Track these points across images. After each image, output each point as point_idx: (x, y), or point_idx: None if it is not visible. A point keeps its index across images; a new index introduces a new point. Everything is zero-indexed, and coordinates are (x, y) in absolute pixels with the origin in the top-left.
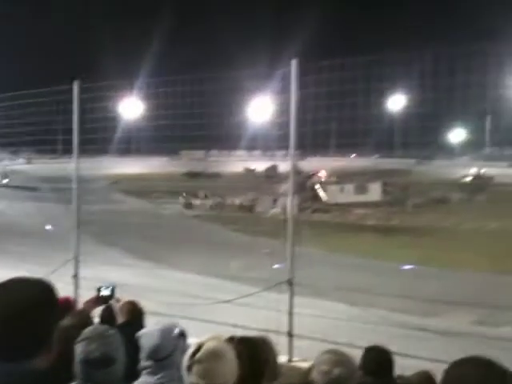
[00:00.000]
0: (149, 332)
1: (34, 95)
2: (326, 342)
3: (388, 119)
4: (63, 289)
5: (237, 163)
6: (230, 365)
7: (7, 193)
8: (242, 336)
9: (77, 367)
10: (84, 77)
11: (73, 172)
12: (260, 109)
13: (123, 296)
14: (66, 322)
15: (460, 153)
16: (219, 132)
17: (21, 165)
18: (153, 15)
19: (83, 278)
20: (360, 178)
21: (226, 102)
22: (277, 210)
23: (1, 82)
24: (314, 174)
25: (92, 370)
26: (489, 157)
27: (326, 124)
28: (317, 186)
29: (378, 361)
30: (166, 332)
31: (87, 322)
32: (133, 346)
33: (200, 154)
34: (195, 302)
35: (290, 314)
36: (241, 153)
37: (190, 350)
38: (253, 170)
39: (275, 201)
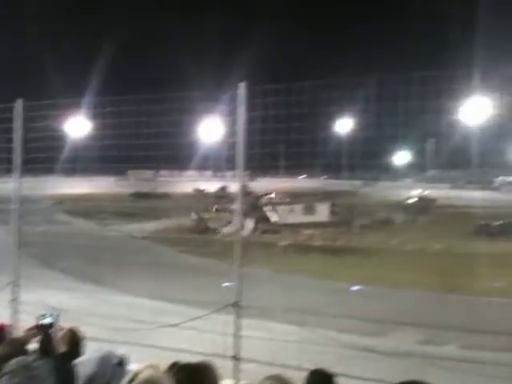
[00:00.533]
0: (86, 360)
1: None
2: (273, 365)
3: (336, 142)
4: (0, 314)
5: (187, 184)
6: None
7: None
8: (183, 363)
9: None
10: (28, 95)
11: (13, 192)
12: (210, 130)
13: (65, 323)
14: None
15: (404, 175)
16: (168, 152)
17: None
18: (101, 34)
19: (24, 302)
20: (309, 199)
21: (175, 123)
22: (229, 230)
23: None
24: (263, 195)
25: None
26: (431, 179)
27: (274, 146)
28: (267, 207)
29: None
30: (103, 360)
31: (21, 351)
32: (71, 376)
33: (148, 174)
34: (140, 327)
35: (237, 337)
36: (191, 173)
37: (126, 379)
38: (203, 191)
39: (229, 222)
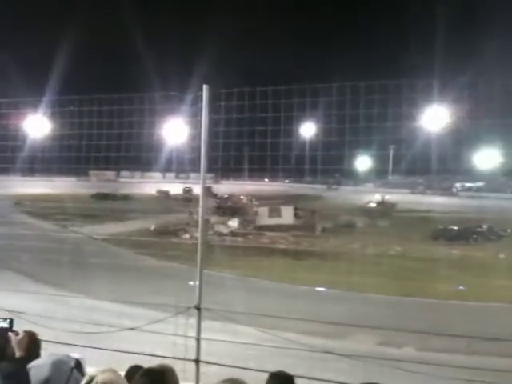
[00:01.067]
0: (40, 364)
1: None
2: (234, 367)
3: (299, 146)
4: None
5: (149, 185)
6: None
7: None
8: (144, 367)
9: None
10: None
11: None
12: (173, 131)
13: (22, 326)
14: None
15: (365, 180)
16: (130, 153)
17: None
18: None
19: None
20: (274, 202)
21: (138, 124)
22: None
23: None
24: (229, 197)
25: None
26: (392, 184)
27: (238, 149)
28: (251, 209)
29: None
30: (58, 363)
31: None
32: (26, 381)
33: (110, 175)
34: (99, 330)
35: (198, 340)
36: (153, 174)
37: (82, 383)
38: (166, 192)
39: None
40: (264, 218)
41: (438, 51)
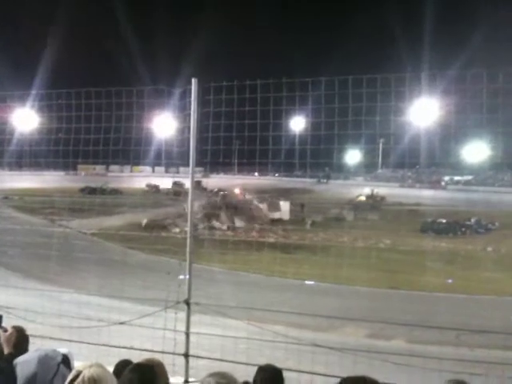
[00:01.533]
0: (26, 360)
1: None
2: (223, 360)
3: (289, 140)
4: None
5: (139, 179)
6: None
7: None
8: (134, 362)
9: None
10: None
11: None
12: (162, 125)
13: (10, 321)
14: None
15: (355, 173)
16: (119, 147)
17: None
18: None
19: None
20: (269, 196)
21: (126, 117)
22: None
23: None
24: (219, 191)
25: None
26: (381, 177)
27: (228, 143)
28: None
29: (270, 380)
30: (45, 359)
31: None
32: (13, 377)
33: (99, 169)
34: (89, 324)
35: (187, 334)
36: (143, 168)
37: (69, 378)
38: (156, 187)
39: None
40: (265, 212)
41: (426, 44)
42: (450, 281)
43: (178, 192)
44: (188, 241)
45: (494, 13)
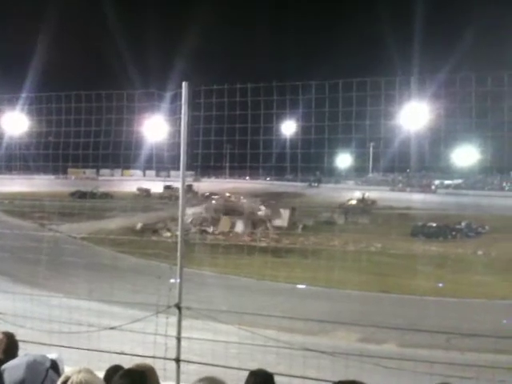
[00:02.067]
0: (14, 365)
1: None
2: (214, 366)
3: (280, 144)
4: None
5: (130, 183)
6: None
7: None
8: (125, 368)
9: None
10: None
11: None
12: (154, 129)
13: (0, 327)
14: None
15: (346, 177)
16: (109, 150)
17: None
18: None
19: None
20: (257, 200)
21: (116, 121)
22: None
23: None
24: (211, 195)
25: None
26: (372, 181)
27: (219, 147)
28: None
29: None
30: (33, 364)
31: None
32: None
33: (90, 172)
34: (80, 329)
35: (178, 339)
36: (133, 172)
37: (57, 383)
38: (147, 190)
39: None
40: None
41: (416, 48)
42: (440, 285)
43: (170, 196)
44: (179, 245)
45: (482, 17)
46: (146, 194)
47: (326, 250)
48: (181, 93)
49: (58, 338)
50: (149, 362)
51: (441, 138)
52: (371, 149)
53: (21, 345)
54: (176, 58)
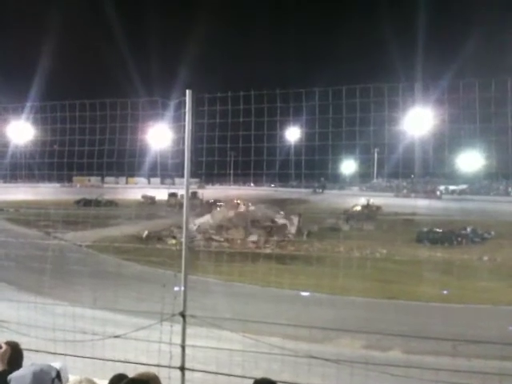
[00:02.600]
0: (21, 375)
1: None
2: (219, 373)
3: (284, 151)
4: None
5: (134, 190)
6: None
7: None
8: (128, 378)
9: None
10: None
11: None
12: (158, 137)
13: (4, 334)
14: None
15: (350, 183)
16: (114, 159)
17: None
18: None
19: None
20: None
21: (121, 129)
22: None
23: None
24: (215, 202)
25: None
26: (377, 187)
27: (223, 154)
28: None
29: None
30: (39, 374)
31: None
32: None
33: (94, 180)
34: (84, 338)
35: (183, 347)
36: (138, 180)
37: None
38: (152, 198)
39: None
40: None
41: (419, 54)
42: (445, 292)
43: (173, 204)
44: (183, 252)
45: (485, 22)
46: (150, 201)
47: (330, 256)
48: (185, 101)
49: (62, 347)
50: (153, 370)
51: (445, 143)
52: (375, 155)
53: (25, 353)
54: (180, 66)
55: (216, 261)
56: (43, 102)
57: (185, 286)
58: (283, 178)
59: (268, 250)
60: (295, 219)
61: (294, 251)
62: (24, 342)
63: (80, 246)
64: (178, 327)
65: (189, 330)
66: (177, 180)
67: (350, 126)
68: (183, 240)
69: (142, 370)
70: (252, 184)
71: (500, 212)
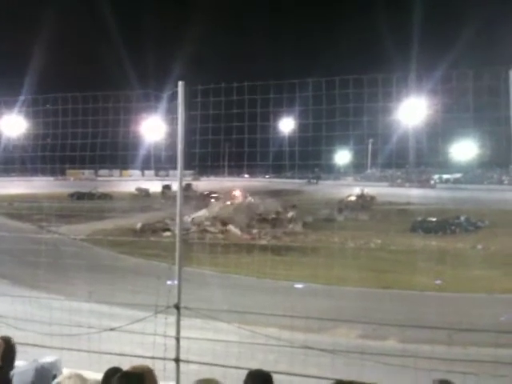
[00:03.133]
0: (23, 371)
1: None
2: (214, 365)
3: (278, 142)
4: None
5: (128, 183)
6: None
7: None
8: (122, 371)
9: None
10: None
11: None
12: (151, 129)
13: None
14: None
15: (345, 174)
16: (107, 151)
17: None
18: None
19: None
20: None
21: (115, 122)
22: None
23: None
24: (210, 193)
25: None
26: (371, 177)
27: (217, 146)
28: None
29: None
30: (41, 371)
31: None
32: None
33: (88, 173)
34: (80, 331)
35: (177, 339)
36: (132, 172)
37: None
38: (146, 190)
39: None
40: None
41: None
42: (439, 282)
43: (168, 196)
44: (177, 244)
45: (479, 13)
46: (144, 193)
47: (325, 247)
48: (177, 93)
49: (59, 341)
50: (148, 362)
51: (439, 133)
52: (369, 145)
53: (22, 347)
54: (173, 58)
55: (211, 252)
56: (35, 94)
57: (179, 279)
58: (277, 169)
59: (263, 242)
60: (292, 212)
61: (289, 242)
62: (20, 336)
63: (74, 239)
64: (173, 319)
65: (184, 322)
66: (171, 172)
67: (344, 116)
68: (177, 232)
69: (137, 362)
70: (246, 175)
71: (493, 201)
